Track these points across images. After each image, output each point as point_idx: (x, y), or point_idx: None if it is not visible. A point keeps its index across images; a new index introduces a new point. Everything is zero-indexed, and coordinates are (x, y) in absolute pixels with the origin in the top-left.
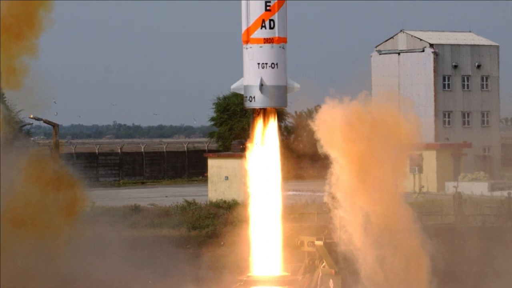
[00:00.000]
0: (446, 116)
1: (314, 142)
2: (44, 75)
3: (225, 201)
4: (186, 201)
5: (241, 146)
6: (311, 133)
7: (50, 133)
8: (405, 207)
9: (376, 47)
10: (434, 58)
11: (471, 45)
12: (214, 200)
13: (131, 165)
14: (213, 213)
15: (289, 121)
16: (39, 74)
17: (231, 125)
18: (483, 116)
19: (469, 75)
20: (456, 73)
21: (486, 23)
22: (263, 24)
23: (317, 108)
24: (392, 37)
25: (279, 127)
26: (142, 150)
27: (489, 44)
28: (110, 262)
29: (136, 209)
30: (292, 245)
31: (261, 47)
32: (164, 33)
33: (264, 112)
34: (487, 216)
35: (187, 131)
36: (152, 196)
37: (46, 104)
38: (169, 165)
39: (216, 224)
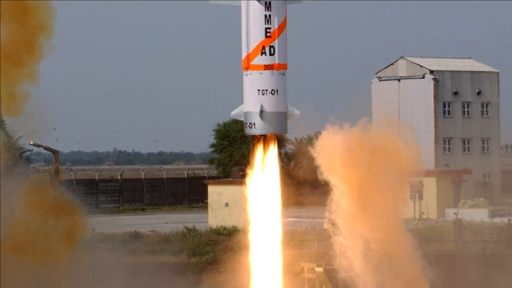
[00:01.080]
0: (446, 142)
1: (314, 168)
2: (44, 102)
3: (225, 228)
4: (186, 227)
5: (241, 173)
6: (311, 159)
7: (50, 159)
8: (405, 234)
9: (376, 73)
10: (434, 85)
11: (471, 71)
12: (214, 226)
13: (131, 191)
14: (213, 239)
15: (289, 147)
16: (39, 100)
17: (231, 151)
18: (483, 142)
19: (469, 102)
20: (456, 99)
21: (486, 49)
22: (263, 51)
23: (317, 134)
24: (392, 64)
25: (279, 153)
26: (142, 176)
27: (489, 70)
28: None
29: (136, 235)
30: (292, 272)
31: (261, 73)
32: (163, 59)
33: (264, 138)
34: (488, 243)
35: (187, 157)
36: (152, 223)
37: (46, 130)
38: (169, 192)
39: (216, 250)
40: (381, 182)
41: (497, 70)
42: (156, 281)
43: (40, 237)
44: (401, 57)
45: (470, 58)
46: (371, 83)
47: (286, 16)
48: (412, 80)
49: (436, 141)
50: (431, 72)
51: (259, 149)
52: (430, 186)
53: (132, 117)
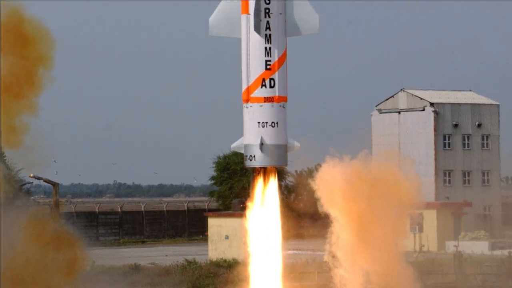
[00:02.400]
0: (447, 175)
1: (314, 201)
2: (44, 134)
3: (225, 260)
4: (187, 260)
5: (242, 205)
6: (311, 192)
7: (50, 192)
8: (406, 266)
9: (376, 106)
10: (435, 117)
11: (471, 104)
12: (214, 259)
13: (131, 224)
14: (214, 272)
15: (290, 180)
16: (39, 133)
17: (231, 184)
18: (483, 175)
19: (470, 134)
20: (456, 132)
21: (486, 82)
22: (264, 83)
23: (317, 167)
24: (392, 96)
25: (279, 186)
26: (142, 209)
27: (489, 103)
28: None
29: (136, 268)
30: None
31: (261, 106)
32: (163, 92)
33: (264, 171)
34: (488, 275)
35: (187, 190)
36: (152, 255)
37: (46, 163)
38: (169, 224)
39: (216, 283)
40: (381, 215)
41: (497, 103)
42: None
43: (40, 269)
44: (401, 90)
45: (470, 90)
46: (371, 115)
47: (286, 49)
48: (412, 112)
49: (436, 174)
50: (431, 104)
51: (259, 181)
52: (431, 218)
53: (132, 150)
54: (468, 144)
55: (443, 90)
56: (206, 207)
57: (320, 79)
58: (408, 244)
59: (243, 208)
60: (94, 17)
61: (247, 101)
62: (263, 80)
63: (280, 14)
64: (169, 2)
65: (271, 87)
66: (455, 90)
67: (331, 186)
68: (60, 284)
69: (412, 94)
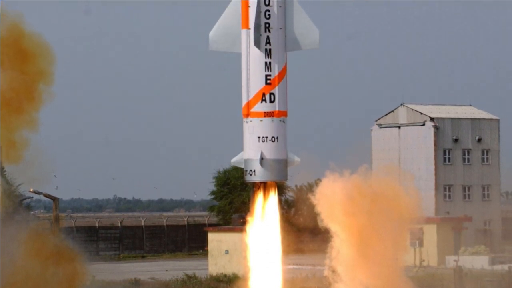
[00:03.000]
0: (447, 190)
1: (314, 216)
2: (44, 149)
3: (225, 275)
4: (187, 275)
5: (242, 220)
6: (312, 206)
7: (50, 207)
8: (406, 281)
9: (376, 120)
10: (435, 132)
11: (471, 118)
12: (214, 274)
13: (131, 239)
14: (214, 287)
15: (290, 194)
16: (39, 147)
17: (231, 199)
18: (483, 190)
19: (470, 149)
20: (456, 146)
21: (486, 96)
22: (264, 98)
23: (317, 181)
24: (392, 111)
25: (280, 201)
26: (142, 224)
27: (489, 118)
28: None
29: (136, 283)
30: None
31: (261, 120)
32: (163, 106)
33: (265, 186)
34: None
35: (188, 205)
36: (152, 270)
37: (46, 178)
38: (169, 239)
39: None
40: (381, 229)
41: (497, 117)
42: None
43: (40, 284)
44: (401, 104)
45: (470, 105)
46: (371, 130)
47: (286, 63)
48: (413, 127)
49: (436, 188)
50: (432, 119)
51: (259, 196)
52: (431, 233)
53: (132, 165)
54: (468, 159)
55: (443, 104)
56: (206, 222)
57: (320, 94)
58: (408, 258)
59: (243, 223)
60: (94, 31)
61: (247, 115)
62: (263, 94)
63: (280, 28)
64: (169, 17)
65: (271, 101)
66: (455, 105)
67: (331, 200)
68: None
69: (412, 109)
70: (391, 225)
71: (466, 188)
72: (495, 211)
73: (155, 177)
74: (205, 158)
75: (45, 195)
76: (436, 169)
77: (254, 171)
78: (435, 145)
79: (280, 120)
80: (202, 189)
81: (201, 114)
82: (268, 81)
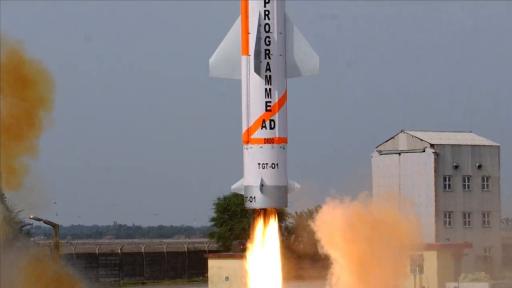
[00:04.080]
0: (447, 216)
1: (314, 242)
2: (44, 176)
3: None
4: None
5: (242, 247)
6: (312, 233)
7: (50, 233)
8: None
9: (376, 147)
10: (435, 159)
11: (471, 145)
12: None
13: (131, 265)
14: None
15: (290, 221)
16: (39, 174)
17: (232, 225)
18: (483, 216)
19: (470, 176)
20: (456, 173)
21: (486, 123)
22: (264, 125)
23: (317, 208)
24: (392, 138)
25: (280, 227)
26: (143, 250)
27: (489, 144)
28: None
29: None
30: None
31: (261, 147)
32: (163, 133)
33: (265, 212)
34: None
35: (188, 231)
36: None
37: (46, 204)
38: (169, 266)
39: None
40: (381, 256)
41: (497, 144)
42: None
43: None
44: (402, 131)
45: (470, 132)
46: (372, 156)
47: (286, 90)
48: (413, 154)
49: (436, 215)
50: (432, 146)
51: (259, 223)
52: (431, 260)
53: (132, 191)
54: (468, 185)
55: (443, 131)
56: (206, 249)
57: (320, 120)
58: (409, 285)
59: (243, 250)
60: (94, 58)
61: (247, 142)
62: (264, 121)
63: (280, 55)
64: (168, 43)
65: (271, 128)
66: (455, 132)
67: (331, 227)
68: None
69: (412, 136)
70: (391, 252)
71: (466, 215)
72: (495, 237)
73: (155, 203)
74: (205, 185)
75: (45, 222)
76: (436, 195)
77: (254, 197)
78: (435, 171)
79: (280, 147)
80: (202, 215)
81: (201, 141)
82: (268, 108)
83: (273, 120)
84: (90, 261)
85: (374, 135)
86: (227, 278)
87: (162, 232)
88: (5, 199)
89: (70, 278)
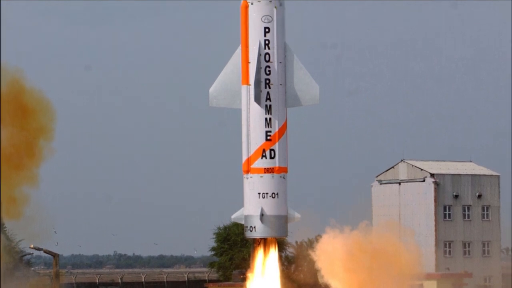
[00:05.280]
0: (447, 245)
1: (314, 272)
2: (44, 205)
3: None
4: None
5: (242, 276)
6: (312, 263)
7: (50, 263)
8: None
9: (376, 176)
10: (435, 188)
11: (471, 175)
12: None
13: None
14: None
15: (290, 251)
16: (39, 203)
17: (232, 255)
18: (483, 246)
19: (470, 205)
20: (456, 203)
21: (486, 153)
22: (264, 154)
23: (317, 238)
24: (392, 167)
25: (280, 257)
26: (143, 280)
27: (489, 174)
28: None
29: None
30: None
31: (261, 177)
32: (163, 163)
33: (265, 242)
34: None
35: (188, 261)
36: None
37: (46, 234)
38: None
39: None
40: (381, 286)
41: (497, 174)
42: None
43: None
44: (402, 160)
45: (470, 161)
46: (372, 186)
47: (286, 119)
48: (413, 183)
49: (436, 244)
50: (432, 175)
51: (259, 252)
52: None
53: (132, 221)
54: (468, 215)
55: (444, 161)
56: (207, 278)
57: (321, 149)
58: None
59: (244, 279)
60: (94, 88)
61: (247, 172)
62: (264, 151)
63: (281, 85)
64: (168, 72)
65: (271, 158)
66: (455, 161)
67: (331, 257)
68: None
69: (413, 165)
70: (391, 281)
71: (466, 244)
72: (495, 267)
73: (156, 233)
74: (205, 214)
75: (45, 251)
76: (436, 225)
77: (255, 227)
78: (435, 201)
79: (281, 176)
80: (203, 245)
81: (201, 170)
82: (268, 137)
83: (273, 150)
84: None
85: (374, 165)
86: None
87: (163, 261)
88: (5, 229)
89: None
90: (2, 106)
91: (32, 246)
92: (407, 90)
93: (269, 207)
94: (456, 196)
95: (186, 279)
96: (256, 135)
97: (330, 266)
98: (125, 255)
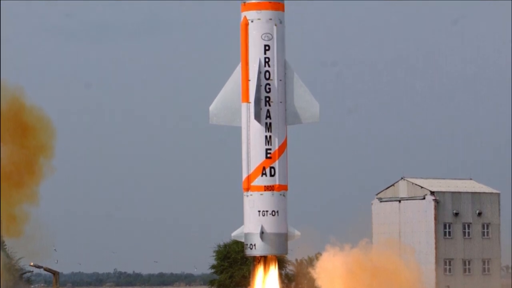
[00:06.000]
0: (447, 263)
1: None
2: (44, 223)
3: None
4: None
5: None
6: (312, 280)
7: (50, 280)
8: None
9: (377, 194)
10: (435, 206)
11: (472, 192)
12: None
13: None
14: None
15: (290, 268)
16: (39, 221)
17: (232, 272)
18: (484, 263)
19: (470, 223)
20: (457, 220)
21: (487, 170)
22: (264, 172)
23: (317, 255)
24: (393, 185)
25: (280, 274)
26: None
27: (490, 191)
28: None
29: None
30: None
31: (261, 194)
32: (163, 181)
33: (265, 259)
34: None
35: (188, 278)
36: None
37: (46, 251)
38: None
39: None
40: None
41: (497, 191)
42: None
43: None
44: (402, 178)
45: (471, 179)
46: (372, 204)
47: (286, 137)
48: (413, 201)
49: (436, 262)
50: (432, 193)
51: (259, 270)
52: None
53: (132, 238)
54: (468, 232)
55: (444, 178)
56: None
57: (321, 167)
58: None
59: None
60: (94, 106)
61: (247, 189)
62: (264, 168)
63: (281, 102)
64: (168, 90)
65: (271, 175)
66: (455, 179)
67: (331, 275)
68: None
69: (413, 183)
70: None
71: (467, 262)
72: (496, 285)
73: (156, 251)
74: (205, 232)
75: (45, 269)
76: (436, 242)
77: (255, 245)
78: (435, 219)
79: (281, 194)
80: (203, 263)
81: (201, 188)
82: (268, 155)
83: (273, 167)
84: None
85: (374, 182)
86: None
87: (163, 279)
88: (5, 247)
89: None
90: (2, 123)
91: (32, 264)
92: (407, 107)
93: (269, 224)
94: (456, 214)
95: None
96: (256, 153)
97: (330, 284)
98: (125, 273)
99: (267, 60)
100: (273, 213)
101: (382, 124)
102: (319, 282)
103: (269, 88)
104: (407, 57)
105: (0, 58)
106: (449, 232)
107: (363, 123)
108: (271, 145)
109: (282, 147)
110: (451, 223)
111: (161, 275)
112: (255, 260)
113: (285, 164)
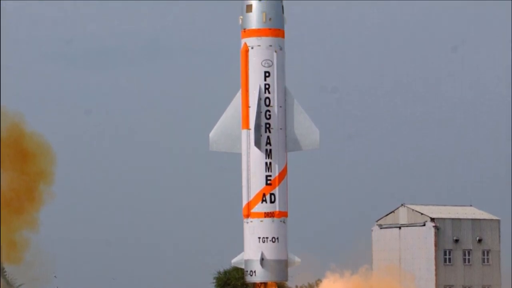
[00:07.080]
0: None
1: None
2: (45, 249)
3: None
4: None
5: None
6: None
7: None
8: None
9: (377, 221)
10: (435, 232)
11: (472, 219)
12: None
13: None
14: None
15: None
16: (39, 248)
17: None
18: None
19: (470, 249)
20: (457, 247)
21: (487, 197)
22: (264, 198)
23: (318, 282)
24: (393, 211)
25: None
26: None
27: (490, 218)
28: None
29: None
30: None
31: (262, 221)
32: (162, 208)
33: (265, 286)
34: None
35: None
36: None
37: (46, 278)
38: None
39: None
40: None
41: (498, 218)
42: None
43: None
44: (402, 205)
45: (471, 205)
46: (372, 230)
47: (286, 164)
48: (413, 227)
49: None
50: (432, 219)
51: None
52: None
53: (132, 265)
54: (468, 259)
55: (444, 205)
56: None
57: (321, 194)
58: None
59: None
60: (94, 131)
61: (247, 216)
62: (264, 195)
63: (281, 129)
64: (168, 117)
65: (271, 202)
66: (455, 205)
67: None
68: None
69: (413, 209)
70: None
71: None
72: None
73: (155, 277)
74: (205, 259)
75: None
76: (436, 269)
77: (255, 271)
78: (435, 245)
79: (281, 221)
80: None
81: (201, 215)
82: (268, 182)
83: (273, 194)
84: None
85: (375, 209)
86: None
87: None
88: (5, 273)
89: None
90: (2, 150)
91: None
92: (407, 133)
93: (269, 251)
94: (457, 241)
95: None
96: (256, 180)
97: None
98: None
99: (267, 86)
100: (273, 239)
101: (382, 150)
102: None
103: (269, 115)
104: (407, 83)
105: (0, 84)
106: (449, 259)
107: (363, 149)
108: (271, 171)
109: (282, 174)
110: (451, 249)
111: None
112: (255, 287)
113: (285, 191)
